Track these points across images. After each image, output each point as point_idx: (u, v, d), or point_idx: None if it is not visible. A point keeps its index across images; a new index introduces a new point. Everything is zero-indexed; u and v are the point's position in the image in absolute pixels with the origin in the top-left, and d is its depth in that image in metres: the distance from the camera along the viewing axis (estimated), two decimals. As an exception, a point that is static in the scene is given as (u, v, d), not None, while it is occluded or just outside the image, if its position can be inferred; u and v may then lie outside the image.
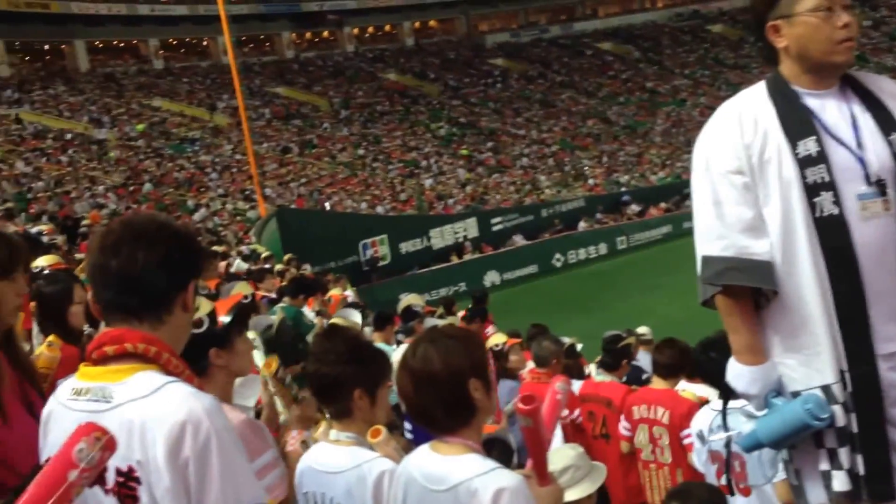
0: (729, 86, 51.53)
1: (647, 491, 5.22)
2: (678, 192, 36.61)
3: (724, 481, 3.99)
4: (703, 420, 4.39)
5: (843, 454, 2.43)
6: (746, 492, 3.89)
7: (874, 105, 2.53)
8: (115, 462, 1.74)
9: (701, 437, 4.37)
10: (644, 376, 7.15)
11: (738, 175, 2.47)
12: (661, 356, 5.34)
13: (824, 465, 2.47)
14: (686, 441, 4.91)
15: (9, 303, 2.51)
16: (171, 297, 1.90)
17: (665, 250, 27.50)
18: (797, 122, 2.48)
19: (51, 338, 3.45)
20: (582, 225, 31.36)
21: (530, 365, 6.58)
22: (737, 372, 2.54)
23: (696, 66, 54.68)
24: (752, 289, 2.49)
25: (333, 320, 6.26)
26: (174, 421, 1.71)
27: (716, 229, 2.48)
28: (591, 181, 39.46)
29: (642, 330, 8.89)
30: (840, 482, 2.43)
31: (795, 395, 2.47)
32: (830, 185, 2.41)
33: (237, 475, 1.75)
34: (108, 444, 1.58)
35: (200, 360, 2.72)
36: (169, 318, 1.90)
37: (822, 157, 2.42)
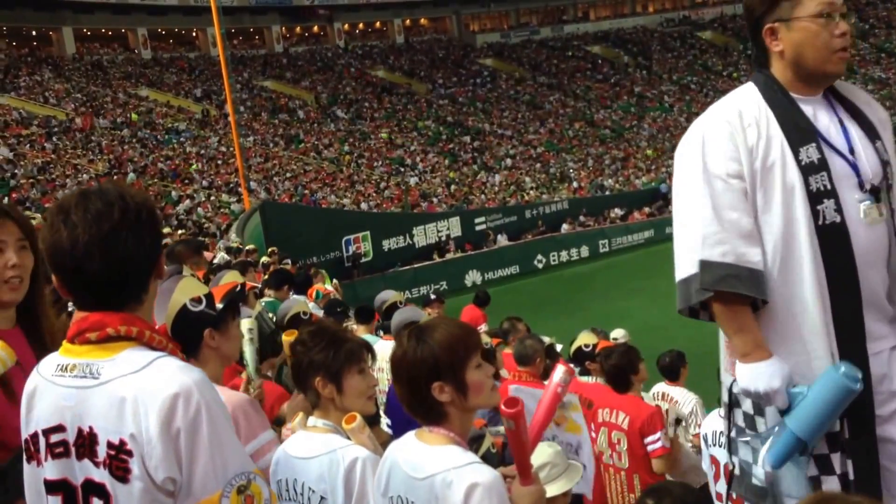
0: (716, 92, 51.76)
1: (607, 493, 5.20)
2: (662, 196, 36.87)
3: (719, 488, 3.98)
4: (710, 424, 4.40)
5: (836, 459, 2.40)
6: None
7: (855, 113, 2.52)
8: (107, 436, 1.79)
9: (706, 440, 4.40)
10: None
11: (738, 180, 2.39)
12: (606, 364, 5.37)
13: (812, 472, 2.42)
14: (651, 447, 4.90)
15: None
16: (149, 278, 1.92)
17: (646, 254, 27.63)
18: (798, 128, 2.42)
19: None
20: (565, 227, 31.47)
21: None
22: (753, 373, 2.39)
23: (684, 71, 54.88)
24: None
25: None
26: (167, 394, 1.76)
27: (715, 234, 2.38)
28: (575, 184, 39.57)
29: (618, 333, 8.82)
30: (830, 488, 2.39)
31: None
32: (832, 193, 2.38)
33: (225, 445, 1.80)
34: None
35: (194, 340, 2.72)
36: (146, 296, 1.92)
37: (823, 165, 2.39)
